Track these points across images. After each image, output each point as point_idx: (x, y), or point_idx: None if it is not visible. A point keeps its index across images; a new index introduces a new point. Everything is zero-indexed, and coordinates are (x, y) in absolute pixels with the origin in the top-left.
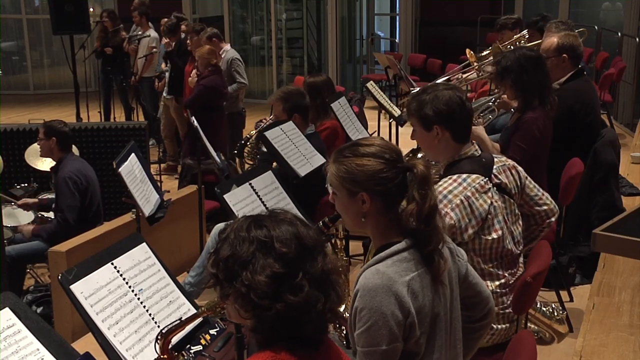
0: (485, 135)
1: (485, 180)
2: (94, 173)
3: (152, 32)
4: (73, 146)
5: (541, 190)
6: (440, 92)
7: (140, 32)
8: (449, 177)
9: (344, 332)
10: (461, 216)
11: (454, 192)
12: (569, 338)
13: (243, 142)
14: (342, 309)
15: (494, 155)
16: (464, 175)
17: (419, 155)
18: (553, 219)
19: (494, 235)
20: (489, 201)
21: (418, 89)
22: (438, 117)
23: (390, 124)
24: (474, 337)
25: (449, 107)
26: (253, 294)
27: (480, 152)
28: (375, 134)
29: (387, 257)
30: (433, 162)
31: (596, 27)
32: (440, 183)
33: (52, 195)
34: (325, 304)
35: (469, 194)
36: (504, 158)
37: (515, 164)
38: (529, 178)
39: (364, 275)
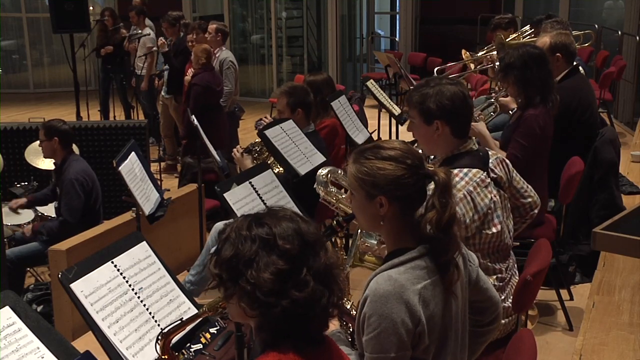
0: (486, 131)
1: (484, 174)
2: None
3: (150, 31)
4: (73, 145)
5: (525, 182)
6: (444, 87)
7: (140, 31)
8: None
9: (350, 329)
10: (465, 210)
11: (457, 186)
12: (569, 337)
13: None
14: (348, 306)
15: (487, 149)
16: (465, 170)
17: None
18: (536, 211)
19: (494, 230)
20: (489, 196)
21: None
22: (441, 112)
23: (390, 122)
24: (479, 341)
25: (452, 103)
26: (259, 292)
27: (477, 146)
28: (375, 133)
29: (400, 263)
30: (431, 157)
31: (596, 26)
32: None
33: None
34: (330, 299)
35: (471, 188)
36: (494, 151)
37: (504, 158)
38: (515, 170)
39: (375, 281)
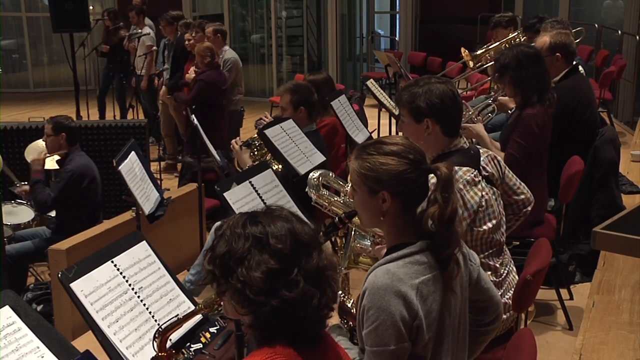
0: (484, 132)
1: (475, 173)
2: (97, 170)
3: (150, 30)
4: None
5: (518, 179)
6: (433, 86)
7: (139, 30)
8: None
9: (351, 325)
10: None
11: None
12: (568, 336)
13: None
14: (349, 304)
15: (479, 147)
16: (455, 168)
17: None
18: (529, 208)
19: (485, 227)
20: (479, 194)
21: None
22: (430, 110)
23: (390, 121)
24: (479, 341)
25: (442, 101)
26: (249, 290)
27: (468, 144)
28: (375, 132)
29: (399, 257)
30: None
31: (596, 25)
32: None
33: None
34: (321, 300)
35: (460, 186)
36: (485, 149)
37: (496, 155)
38: (507, 167)
39: (374, 274)
